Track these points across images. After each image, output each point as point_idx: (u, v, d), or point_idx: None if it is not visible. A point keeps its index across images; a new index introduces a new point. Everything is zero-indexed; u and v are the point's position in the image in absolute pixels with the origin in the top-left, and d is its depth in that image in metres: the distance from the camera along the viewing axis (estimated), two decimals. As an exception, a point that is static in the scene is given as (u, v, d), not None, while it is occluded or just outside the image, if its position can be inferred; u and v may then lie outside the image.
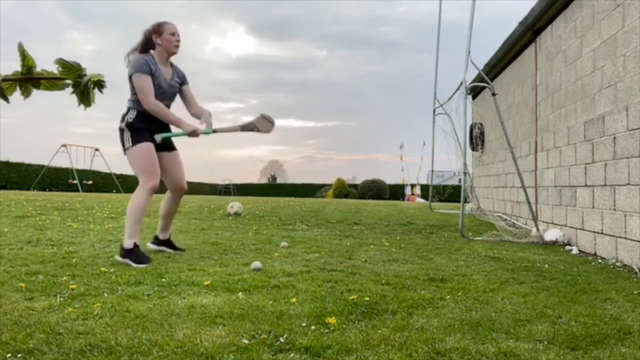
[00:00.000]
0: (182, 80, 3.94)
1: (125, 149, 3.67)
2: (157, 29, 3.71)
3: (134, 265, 3.41)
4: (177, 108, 3.95)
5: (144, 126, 3.67)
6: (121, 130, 3.68)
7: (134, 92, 3.67)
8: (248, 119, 4.08)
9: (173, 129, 3.86)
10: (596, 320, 2.33)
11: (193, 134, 3.71)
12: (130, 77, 3.64)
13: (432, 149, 11.54)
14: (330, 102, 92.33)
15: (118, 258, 3.53)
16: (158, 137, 3.73)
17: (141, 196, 3.60)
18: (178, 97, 3.97)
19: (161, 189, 3.79)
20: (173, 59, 3.86)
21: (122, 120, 3.70)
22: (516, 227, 7.01)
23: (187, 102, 3.98)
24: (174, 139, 3.96)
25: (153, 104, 3.61)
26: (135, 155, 3.64)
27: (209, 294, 2.64)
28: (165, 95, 3.75)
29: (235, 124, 4.06)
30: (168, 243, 4.09)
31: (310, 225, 6.68)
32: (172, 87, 3.82)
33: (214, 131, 3.89)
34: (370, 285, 2.93)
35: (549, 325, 2.21)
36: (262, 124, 4.06)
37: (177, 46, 3.76)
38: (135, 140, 3.63)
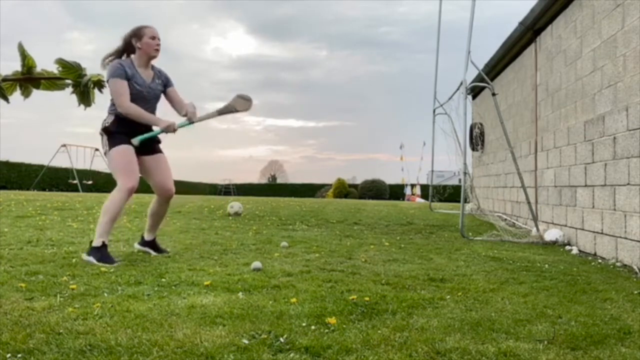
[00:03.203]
0: (166, 83, 3.92)
1: (104, 153, 3.72)
2: (137, 33, 3.72)
3: (96, 263, 3.39)
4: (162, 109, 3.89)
5: (122, 130, 3.68)
6: (101, 135, 3.72)
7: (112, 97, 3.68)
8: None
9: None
10: (596, 320, 2.33)
11: (169, 128, 3.72)
12: (107, 82, 3.52)
13: (432, 149, 11.55)
14: (330, 102, 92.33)
15: (83, 256, 3.52)
16: (135, 141, 3.71)
17: (117, 196, 3.62)
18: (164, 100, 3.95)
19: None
20: (155, 62, 3.86)
21: (102, 125, 3.73)
22: (516, 227, 7.01)
23: (175, 104, 3.95)
24: (162, 140, 3.98)
25: (127, 107, 3.61)
26: (113, 158, 3.66)
27: (209, 294, 2.64)
28: (146, 98, 3.74)
29: (213, 110, 4.02)
30: (152, 244, 4.02)
31: (310, 225, 6.68)
32: (153, 90, 3.80)
33: (192, 122, 3.87)
34: (370, 285, 2.93)
35: (549, 325, 2.21)
36: (239, 104, 4.02)
37: (157, 50, 3.76)
38: (112, 144, 3.65)
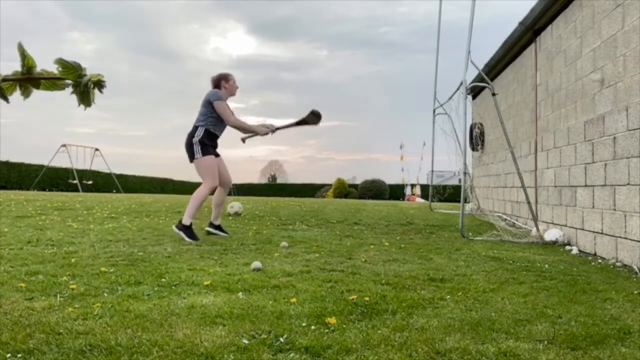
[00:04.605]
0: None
1: (195, 159, 4.92)
2: (225, 77, 5.15)
3: (187, 239, 4.66)
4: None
5: (210, 143, 5.00)
6: (194, 144, 4.91)
7: (206, 114, 4.96)
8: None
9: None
10: (596, 320, 2.33)
11: (265, 134, 5.22)
12: (210, 103, 4.94)
13: (432, 149, 11.54)
14: (330, 102, 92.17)
15: (174, 228, 4.84)
16: (245, 137, 5.32)
17: (204, 190, 4.91)
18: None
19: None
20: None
21: (193, 136, 4.93)
22: (516, 227, 7.01)
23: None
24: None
25: (234, 121, 5.05)
26: (203, 164, 4.92)
27: (209, 294, 2.64)
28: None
29: (291, 121, 5.40)
30: (219, 228, 5.33)
31: (310, 225, 6.68)
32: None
33: (277, 129, 5.32)
34: (370, 285, 2.93)
35: (549, 325, 2.21)
36: (311, 119, 5.30)
37: (236, 90, 5.26)
38: (204, 153, 4.91)
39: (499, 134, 7.80)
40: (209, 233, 5.25)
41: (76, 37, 74.80)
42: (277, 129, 5.27)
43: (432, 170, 12.27)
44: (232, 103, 5.44)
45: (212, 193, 5.25)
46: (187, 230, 4.74)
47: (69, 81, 1.32)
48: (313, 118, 5.27)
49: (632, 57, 4.07)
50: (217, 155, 5.17)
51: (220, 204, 5.35)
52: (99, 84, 1.33)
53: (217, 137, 5.10)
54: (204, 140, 4.92)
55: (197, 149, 4.89)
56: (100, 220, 6.48)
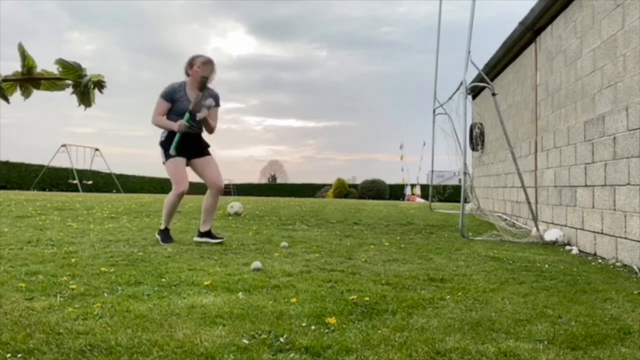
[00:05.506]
0: (216, 103, 4.60)
1: (163, 163, 4.60)
2: (190, 61, 4.49)
3: (161, 242, 4.48)
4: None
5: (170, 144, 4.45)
6: (160, 147, 4.59)
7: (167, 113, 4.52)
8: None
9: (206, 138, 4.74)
10: (596, 320, 2.33)
11: (180, 127, 4.39)
12: None
13: (432, 149, 11.54)
14: (330, 102, 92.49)
15: (156, 234, 4.70)
16: (172, 151, 4.47)
17: (171, 197, 4.60)
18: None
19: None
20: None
21: (161, 138, 4.57)
22: (516, 227, 7.01)
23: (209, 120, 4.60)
24: (208, 143, 4.77)
25: (153, 119, 4.50)
26: (167, 168, 4.57)
27: (209, 294, 2.64)
28: (191, 112, 4.45)
29: (197, 95, 4.47)
30: (208, 234, 4.70)
31: (310, 225, 6.68)
32: (198, 107, 4.47)
33: (190, 112, 4.43)
34: (370, 285, 2.93)
35: (549, 325, 2.21)
36: (206, 71, 4.45)
37: (205, 75, 4.43)
38: (167, 157, 4.53)
39: (499, 134, 7.80)
40: (199, 242, 4.61)
41: (76, 37, 74.91)
42: (190, 112, 4.40)
43: (432, 170, 12.28)
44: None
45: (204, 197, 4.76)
46: (161, 233, 4.63)
47: (69, 81, 1.32)
48: (206, 68, 4.43)
49: (632, 57, 4.07)
50: (200, 154, 4.63)
51: (209, 209, 4.68)
52: (99, 84, 1.33)
53: (185, 138, 4.44)
54: (166, 143, 4.48)
55: (161, 152, 4.57)
56: (100, 220, 6.48)
